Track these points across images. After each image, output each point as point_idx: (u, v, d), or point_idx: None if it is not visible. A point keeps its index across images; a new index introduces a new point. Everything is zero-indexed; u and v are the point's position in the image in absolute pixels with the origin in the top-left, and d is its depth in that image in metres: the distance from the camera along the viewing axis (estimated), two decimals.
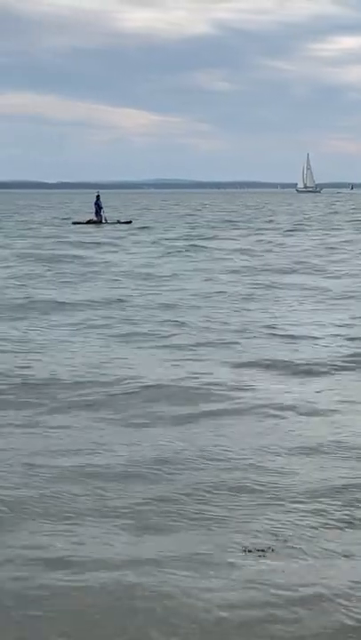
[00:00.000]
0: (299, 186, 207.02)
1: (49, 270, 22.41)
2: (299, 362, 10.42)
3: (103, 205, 47.13)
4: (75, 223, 47.55)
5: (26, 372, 9.93)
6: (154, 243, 32.49)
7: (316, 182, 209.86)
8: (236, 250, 28.84)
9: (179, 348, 11.42)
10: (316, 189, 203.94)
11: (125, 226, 45.00)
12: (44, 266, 23.49)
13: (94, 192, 47.63)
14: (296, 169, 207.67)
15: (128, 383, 9.30)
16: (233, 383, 9.33)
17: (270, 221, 52.40)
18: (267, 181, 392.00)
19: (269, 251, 28.79)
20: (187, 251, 28.61)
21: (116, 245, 31.27)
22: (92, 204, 48.12)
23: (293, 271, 21.93)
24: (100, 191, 47.41)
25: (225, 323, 13.51)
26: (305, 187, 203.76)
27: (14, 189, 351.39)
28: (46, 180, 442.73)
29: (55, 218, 59.45)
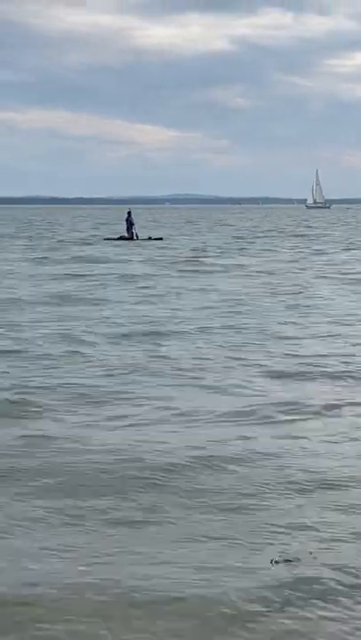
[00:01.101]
0: (308, 201, 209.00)
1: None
2: None
3: (135, 222, 48.40)
4: (106, 239, 49.12)
5: None
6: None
7: (333, 198, 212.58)
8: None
9: None
10: (326, 205, 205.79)
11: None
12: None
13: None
14: (319, 184, 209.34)
15: None
16: None
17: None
18: (283, 197, 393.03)
19: None
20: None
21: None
22: (124, 220, 49.52)
23: None
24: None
25: None
26: (314, 202, 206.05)
27: (34, 204, 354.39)
28: (64, 195, 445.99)
29: (91, 235, 60.04)
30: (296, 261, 32.32)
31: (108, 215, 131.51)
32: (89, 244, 46.64)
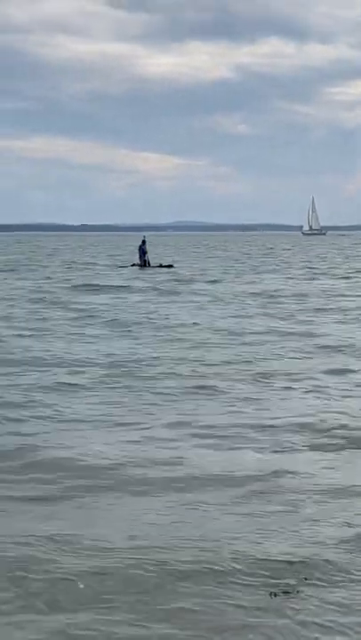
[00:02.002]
0: (304, 228, 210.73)
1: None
2: None
3: (147, 250, 49.78)
4: (120, 267, 50.90)
5: None
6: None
7: (331, 224, 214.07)
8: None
9: None
10: (322, 232, 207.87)
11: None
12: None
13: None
14: (315, 211, 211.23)
15: None
16: None
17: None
18: (284, 223, 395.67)
19: None
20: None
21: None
22: (137, 247, 50.88)
23: None
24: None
25: None
26: (310, 229, 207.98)
27: (39, 232, 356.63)
28: (70, 223, 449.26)
29: (108, 264, 61.01)
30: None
31: (115, 242, 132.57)
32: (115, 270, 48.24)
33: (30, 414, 10.67)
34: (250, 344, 17.20)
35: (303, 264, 55.85)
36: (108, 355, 15.57)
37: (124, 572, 5.77)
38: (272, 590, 5.47)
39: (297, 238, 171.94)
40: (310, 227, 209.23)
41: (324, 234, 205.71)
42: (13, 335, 18.66)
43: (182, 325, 20.46)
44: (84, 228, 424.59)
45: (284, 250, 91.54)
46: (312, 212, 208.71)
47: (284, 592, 5.43)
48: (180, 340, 17.87)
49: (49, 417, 10.54)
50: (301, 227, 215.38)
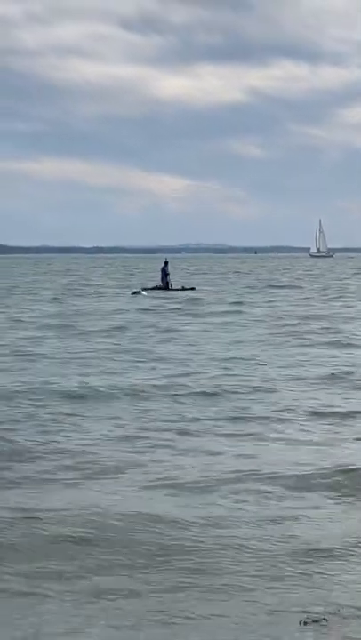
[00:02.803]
0: (312, 250, 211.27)
1: None
2: None
3: (170, 272, 49.40)
4: (144, 289, 49.95)
5: None
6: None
7: (340, 246, 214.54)
8: None
9: None
10: (329, 254, 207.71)
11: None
12: None
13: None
14: (327, 233, 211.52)
15: None
16: None
17: None
18: (298, 246, 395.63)
19: None
20: None
21: None
22: (160, 269, 50.37)
23: None
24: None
25: None
26: (318, 251, 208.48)
27: (52, 254, 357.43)
28: (83, 245, 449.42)
29: (120, 286, 60.86)
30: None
31: (125, 264, 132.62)
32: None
33: None
34: None
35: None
36: None
37: None
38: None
39: (304, 260, 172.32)
40: (318, 249, 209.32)
41: (332, 256, 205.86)
42: None
43: None
44: (96, 250, 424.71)
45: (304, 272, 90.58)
46: (320, 233, 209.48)
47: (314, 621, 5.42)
48: None
49: None
50: (309, 249, 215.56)
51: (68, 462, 9.41)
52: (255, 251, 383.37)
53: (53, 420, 11.78)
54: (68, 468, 9.18)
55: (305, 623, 5.40)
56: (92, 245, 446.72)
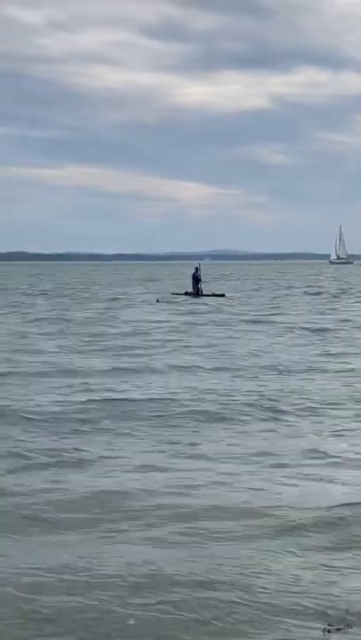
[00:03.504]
0: (332, 257, 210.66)
1: None
2: None
3: (201, 278, 48.05)
4: (173, 294, 48.94)
5: None
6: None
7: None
8: None
9: None
10: (349, 260, 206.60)
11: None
12: None
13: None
14: (347, 240, 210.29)
15: None
16: None
17: None
18: (319, 252, 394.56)
19: None
20: None
21: None
22: (191, 276, 49.26)
23: None
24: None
25: None
26: (338, 258, 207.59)
27: (74, 261, 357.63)
28: (103, 252, 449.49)
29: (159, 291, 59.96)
30: None
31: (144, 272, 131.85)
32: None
33: None
34: None
35: None
36: None
37: None
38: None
39: (324, 267, 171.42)
40: (338, 255, 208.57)
41: (352, 262, 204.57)
42: None
43: None
44: (117, 257, 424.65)
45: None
46: (339, 240, 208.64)
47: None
48: None
49: None
50: (329, 255, 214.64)
51: None
52: (280, 257, 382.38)
53: None
54: None
55: (328, 631, 5.32)
56: (113, 252, 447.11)
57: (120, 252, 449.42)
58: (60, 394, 14.12)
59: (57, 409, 12.66)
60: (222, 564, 6.36)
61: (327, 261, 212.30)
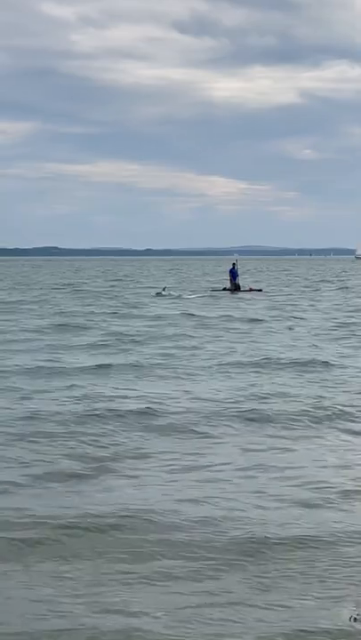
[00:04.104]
0: (358, 252, 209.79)
1: None
2: None
3: (239, 273, 48.79)
4: (213, 290, 49.92)
5: None
6: None
7: None
8: None
9: None
10: None
11: None
12: None
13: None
14: None
15: None
16: None
17: None
18: (348, 247, 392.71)
19: None
20: None
21: None
22: (228, 271, 49.91)
23: None
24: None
25: None
26: None
27: (107, 256, 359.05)
28: (135, 247, 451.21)
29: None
30: None
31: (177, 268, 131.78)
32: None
33: None
34: None
35: None
36: None
37: None
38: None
39: (350, 262, 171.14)
40: None
41: None
42: None
43: None
44: (148, 252, 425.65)
45: None
46: None
47: None
48: None
49: None
50: (355, 250, 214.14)
51: None
52: (309, 253, 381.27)
53: None
54: None
55: (355, 619, 5.35)
56: (144, 248, 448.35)
57: (150, 248, 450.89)
58: None
59: None
60: None
61: (353, 256, 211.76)
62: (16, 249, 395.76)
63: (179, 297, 43.94)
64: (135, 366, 17.37)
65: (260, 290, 49.24)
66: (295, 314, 32.33)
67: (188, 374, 16.24)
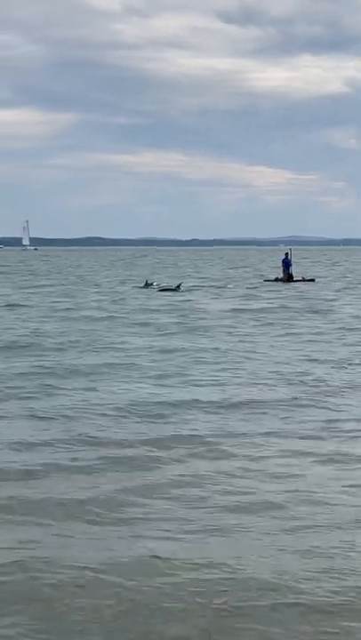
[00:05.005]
0: None
1: None
2: None
3: (293, 262, 47.85)
4: (266, 281, 48.96)
5: None
6: None
7: None
8: None
9: None
10: None
11: None
12: None
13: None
14: None
15: None
16: None
17: None
18: None
19: None
20: None
21: None
22: (280, 261, 49.18)
23: None
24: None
25: None
26: None
27: (151, 246, 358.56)
28: (180, 238, 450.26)
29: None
30: None
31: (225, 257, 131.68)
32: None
33: None
34: None
35: None
36: None
37: None
38: None
39: None
40: None
41: None
42: None
43: None
44: (192, 242, 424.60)
45: None
46: None
47: None
48: None
49: None
50: None
51: None
52: (346, 243, 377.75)
53: None
54: None
55: None
56: (189, 238, 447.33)
57: (195, 238, 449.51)
58: None
59: None
60: None
61: None
62: (60, 239, 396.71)
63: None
64: None
65: (313, 280, 48.03)
66: None
67: None
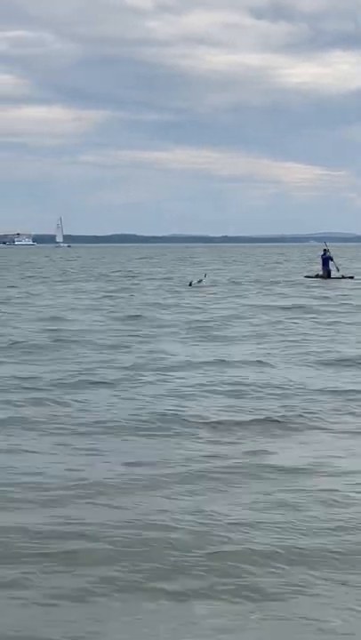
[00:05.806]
0: None
1: None
2: None
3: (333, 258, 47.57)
4: (306, 277, 49.53)
5: None
6: None
7: None
8: None
9: None
10: None
11: None
12: None
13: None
14: None
15: None
16: None
17: None
18: None
19: None
20: None
21: None
22: (319, 257, 49.44)
23: None
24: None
25: None
26: None
27: (182, 243, 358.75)
28: (211, 234, 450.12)
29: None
30: None
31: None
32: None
33: None
34: None
35: None
36: None
37: None
38: None
39: None
40: None
41: None
42: None
43: None
44: (225, 239, 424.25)
45: None
46: None
47: None
48: None
49: None
50: None
51: None
52: None
53: None
54: None
55: None
56: (220, 235, 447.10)
57: (225, 235, 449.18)
58: None
59: None
60: None
61: None
62: (92, 236, 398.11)
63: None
64: None
65: (352, 277, 48.29)
66: None
67: None
